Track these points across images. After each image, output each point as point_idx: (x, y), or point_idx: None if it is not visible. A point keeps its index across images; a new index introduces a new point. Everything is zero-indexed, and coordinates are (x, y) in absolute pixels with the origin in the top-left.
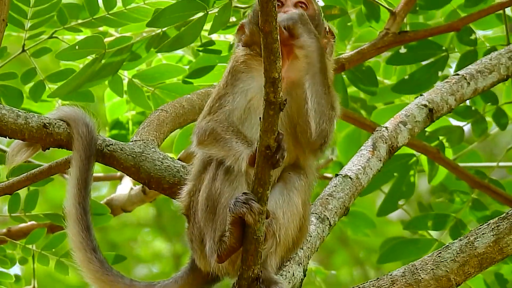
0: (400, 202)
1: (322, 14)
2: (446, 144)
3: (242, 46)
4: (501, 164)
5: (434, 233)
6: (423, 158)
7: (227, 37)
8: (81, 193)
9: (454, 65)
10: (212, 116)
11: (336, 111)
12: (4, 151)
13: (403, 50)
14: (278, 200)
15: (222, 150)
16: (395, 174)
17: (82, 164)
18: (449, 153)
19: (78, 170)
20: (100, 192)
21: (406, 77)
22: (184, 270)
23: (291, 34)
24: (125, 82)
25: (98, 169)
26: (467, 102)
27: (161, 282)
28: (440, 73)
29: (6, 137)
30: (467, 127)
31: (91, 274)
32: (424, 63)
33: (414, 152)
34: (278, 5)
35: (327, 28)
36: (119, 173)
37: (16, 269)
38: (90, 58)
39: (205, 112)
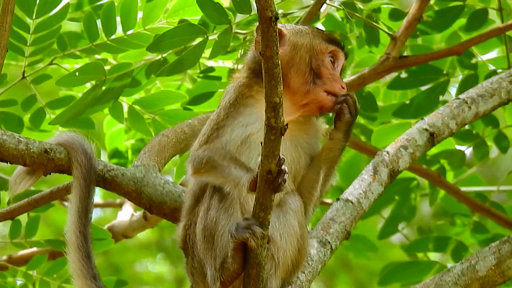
0: (401, 225)
1: None
2: (447, 168)
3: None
4: (502, 188)
5: (435, 256)
6: (425, 181)
7: (226, 63)
8: (81, 220)
9: (454, 89)
10: (209, 145)
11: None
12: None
13: (404, 75)
14: (274, 223)
15: (220, 177)
16: (396, 197)
17: (82, 192)
18: (450, 177)
19: (78, 198)
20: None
21: (407, 102)
22: None
23: (338, 118)
24: (125, 110)
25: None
26: (467, 126)
27: None
28: (441, 97)
29: (7, 163)
30: (468, 150)
31: None
32: (425, 87)
33: (416, 176)
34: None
35: None
36: (118, 200)
37: None
38: (89, 85)
39: (202, 140)
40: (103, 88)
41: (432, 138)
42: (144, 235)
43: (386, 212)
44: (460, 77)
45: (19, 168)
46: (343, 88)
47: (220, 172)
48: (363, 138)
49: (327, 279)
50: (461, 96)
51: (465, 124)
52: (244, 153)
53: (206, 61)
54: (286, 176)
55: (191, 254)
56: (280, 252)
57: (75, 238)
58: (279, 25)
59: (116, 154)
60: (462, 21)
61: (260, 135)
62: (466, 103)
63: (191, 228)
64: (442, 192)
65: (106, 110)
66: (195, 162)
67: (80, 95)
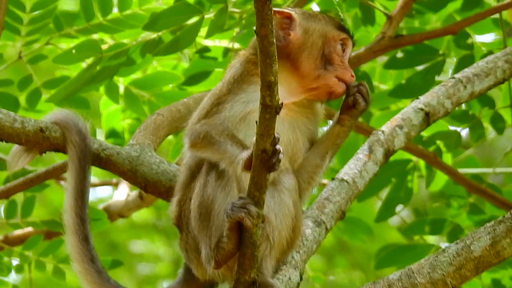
0: (398, 208)
1: None
2: (443, 149)
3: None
4: (497, 170)
5: (432, 239)
6: (422, 164)
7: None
8: (78, 203)
9: (450, 71)
10: (207, 120)
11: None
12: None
13: (400, 54)
14: (269, 203)
15: (216, 153)
16: (392, 179)
17: (78, 174)
18: (447, 159)
19: (74, 180)
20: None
21: (403, 82)
22: (177, 281)
23: (354, 106)
24: (121, 91)
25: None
26: (464, 106)
27: None
28: (437, 78)
29: (2, 141)
30: (464, 132)
31: (89, 285)
32: (420, 67)
33: (412, 158)
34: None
35: None
36: (114, 179)
37: (13, 277)
38: (85, 65)
39: (201, 114)
40: (98, 67)
41: (428, 117)
42: (141, 215)
43: (383, 194)
44: (455, 59)
45: (17, 145)
46: (352, 76)
47: (217, 149)
48: (359, 119)
49: (324, 261)
50: (457, 75)
51: (461, 104)
52: (242, 130)
53: (202, 40)
54: (281, 155)
55: (186, 230)
56: (275, 232)
57: (72, 221)
58: (288, 9)
59: (112, 134)
60: (457, 3)
61: None
62: (462, 82)
63: (186, 204)
64: (440, 180)
65: (102, 90)
66: (192, 136)
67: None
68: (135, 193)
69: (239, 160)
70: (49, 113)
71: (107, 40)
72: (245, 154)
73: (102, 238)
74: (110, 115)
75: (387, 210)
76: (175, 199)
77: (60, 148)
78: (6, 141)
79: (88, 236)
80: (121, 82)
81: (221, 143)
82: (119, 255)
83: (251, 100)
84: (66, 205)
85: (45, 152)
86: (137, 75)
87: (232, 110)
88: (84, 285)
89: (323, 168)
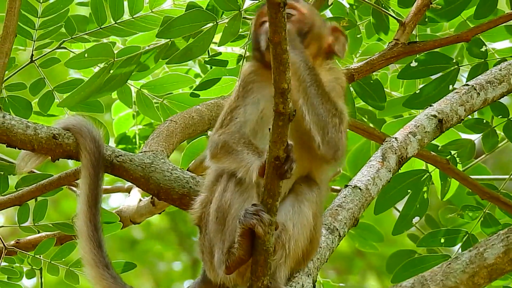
0: (415, 220)
1: (318, 14)
2: (457, 160)
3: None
4: None
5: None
6: (436, 174)
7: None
8: (91, 210)
9: (464, 80)
10: (224, 129)
11: (342, 116)
12: (7, 161)
13: (414, 63)
14: (288, 212)
15: (234, 163)
16: (408, 191)
17: (91, 181)
18: (460, 168)
19: (88, 187)
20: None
21: (417, 91)
22: (196, 281)
23: None
24: (134, 94)
25: (107, 180)
26: (475, 115)
27: None
28: (450, 87)
29: (15, 148)
30: (475, 138)
31: None
32: (434, 76)
33: (427, 167)
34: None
35: (330, 26)
36: (126, 185)
37: (25, 281)
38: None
39: (217, 125)
40: (111, 72)
41: (441, 124)
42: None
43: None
44: (469, 66)
45: None
46: None
47: (234, 158)
48: (371, 125)
49: (341, 266)
50: (470, 82)
51: (474, 111)
52: (259, 131)
53: (215, 47)
54: (293, 164)
55: (204, 232)
56: (292, 241)
57: (86, 228)
58: None
59: (123, 139)
60: (471, 11)
61: (271, 106)
62: (475, 89)
63: (207, 206)
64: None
65: (114, 95)
66: (211, 147)
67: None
68: (147, 198)
69: (253, 168)
70: (61, 119)
71: (119, 46)
72: (259, 162)
73: (123, 234)
74: (121, 120)
75: (404, 222)
76: (198, 199)
77: (73, 155)
78: (19, 148)
79: (101, 243)
80: (133, 85)
81: (238, 152)
82: (136, 253)
83: (260, 95)
84: (80, 212)
85: (57, 159)
86: (148, 79)
87: (246, 113)
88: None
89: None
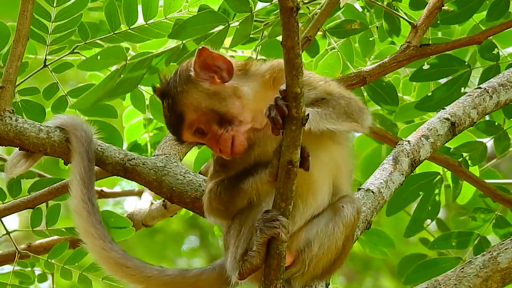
0: (427, 222)
1: None
2: (469, 162)
3: None
4: None
5: (456, 251)
6: (448, 176)
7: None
8: (88, 191)
9: (476, 83)
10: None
11: (340, 95)
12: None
13: (426, 66)
14: (320, 231)
15: (242, 198)
16: (420, 193)
17: (85, 164)
18: (474, 172)
19: (83, 170)
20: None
21: (429, 94)
22: (223, 259)
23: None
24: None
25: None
26: (487, 117)
27: (197, 268)
28: (462, 89)
29: (28, 151)
30: (489, 143)
31: (107, 260)
32: (446, 79)
33: (439, 170)
34: None
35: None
36: (137, 189)
37: (38, 285)
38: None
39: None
40: (122, 76)
41: (453, 127)
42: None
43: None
44: (481, 69)
45: (16, 150)
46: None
47: (237, 194)
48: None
49: (360, 268)
50: (482, 85)
51: (486, 114)
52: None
53: (224, 51)
54: (308, 167)
55: (227, 228)
56: (313, 261)
57: (84, 204)
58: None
59: (134, 147)
60: (482, 15)
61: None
62: (487, 92)
63: None
64: (467, 193)
65: (126, 103)
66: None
67: None
68: (159, 202)
69: (263, 178)
70: (52, 118)
71: (131, 53)
72: (267, 170)
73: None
74: (133, 127)
75: (416, 225)
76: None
77: None
78: (32, 151)
79: (101, 221)
80: (145, 90)
81: (239, 185)
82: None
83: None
84: (76, 192)
85: (70, 163)
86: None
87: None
88: (107, 266)
89: None
